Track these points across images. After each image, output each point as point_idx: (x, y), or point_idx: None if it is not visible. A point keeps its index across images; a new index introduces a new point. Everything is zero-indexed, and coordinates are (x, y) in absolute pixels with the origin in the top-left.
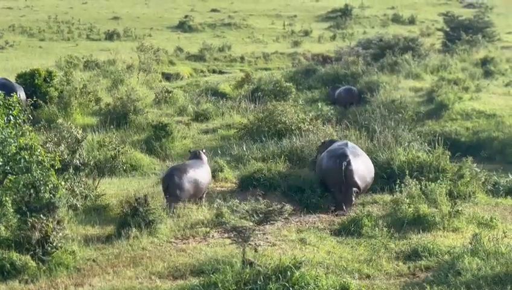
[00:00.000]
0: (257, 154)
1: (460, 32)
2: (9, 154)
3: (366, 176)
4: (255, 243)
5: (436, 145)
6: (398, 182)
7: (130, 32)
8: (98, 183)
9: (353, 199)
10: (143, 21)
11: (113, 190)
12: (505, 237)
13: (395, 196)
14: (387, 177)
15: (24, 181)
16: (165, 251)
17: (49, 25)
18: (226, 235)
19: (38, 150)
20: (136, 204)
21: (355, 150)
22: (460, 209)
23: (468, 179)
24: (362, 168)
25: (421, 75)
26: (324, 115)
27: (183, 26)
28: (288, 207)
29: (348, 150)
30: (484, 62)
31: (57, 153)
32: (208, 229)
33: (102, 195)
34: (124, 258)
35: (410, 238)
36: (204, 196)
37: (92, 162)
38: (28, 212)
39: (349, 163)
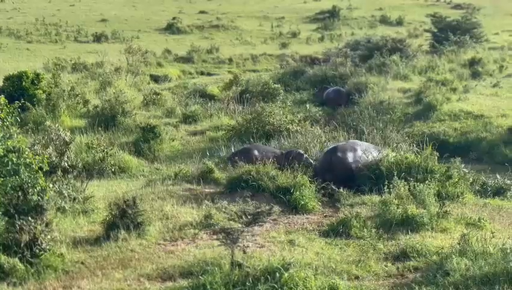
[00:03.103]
0: None
1: (448, 34)
2: None
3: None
4: (244, 245)
5: (425, 146)
6: (386, 183)
7: (118, 35)
8: (87, 185)
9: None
10: (131, 23)
11: (101, 192)
12: (493, 237)
13: (383, 197)
14: (375, 178)
15: (12, 184)
16: (154, 253)
17: (37, 28)
18: (214, 236)
19: (26, 153)
20: (124, 206)
21: (351, 145)
22: (448, 209)
23: (457, 180)
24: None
25: (409, 76)
26: (312, 116)
27: (171, 28)
28: (276, 208)
29: (339, 146)
30: (472, 63)
31: (45, 156)
32: (196, 230)
33: (91, 197)
34: (112, 260)
35: (398, 239)
36: None
37: (80, 165)
38: (16, 215)
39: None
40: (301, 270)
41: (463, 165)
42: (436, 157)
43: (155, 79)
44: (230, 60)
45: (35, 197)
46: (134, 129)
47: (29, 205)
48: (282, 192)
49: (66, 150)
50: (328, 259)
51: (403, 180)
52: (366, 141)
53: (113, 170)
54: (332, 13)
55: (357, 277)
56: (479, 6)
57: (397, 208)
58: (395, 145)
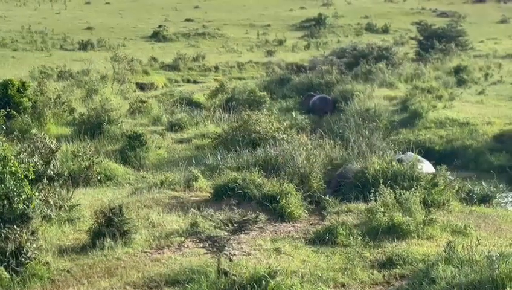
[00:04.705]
0: (232, 164)
1: (433, 41)
2: None
3: None
4: (230, 253)
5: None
6: (372, 190)
7: (104, 43)
8: (72, 193)
9: None
10: (117, 31)
11: (87, 200)
12: (479, 244)
13: (369, 204)
14: (361, 186)
15: None
16: (140, 261)
17: (23, 35)
18: (200, 244)
19: (12, 161)
20: (110, 214)
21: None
22: (434, 217)
23: (442, 187)
24: None
25: (395, 84)
26: (298, 124)
27: (157, 36)
28: (262, 216)
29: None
30: (457, 71)
31: (31, 164)
32: (182, 238)
33: (77, 205)
34: (98, 268)
35: (384, 247)
36: None
37: (66, 173)
38: (1, 223)
39: None
40: (287, 278)
41: (449, 173)
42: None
43: (141, 87)
44: (216, 67)
45: (20, 206)
46: (121, 137)
47: (14, 214)
48: (269, 200)
49: (51, 158)
50: (314, 267)
51: (389, 188)
52: (352, 149)
53: (99, 178)
54: (318, 21)
55: (343, 285)
56: (464, 14)
57: (383, 215)
58: (381, 153)
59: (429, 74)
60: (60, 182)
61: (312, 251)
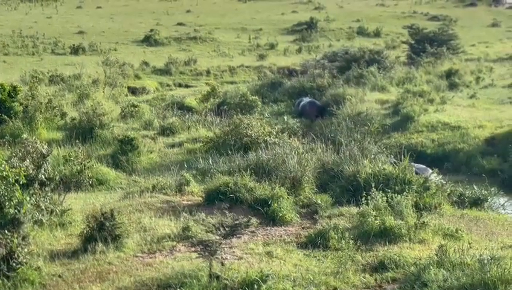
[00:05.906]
0: (223, 168)
1: (425, 45)
2: None
3: None
4: (222, 257)
5: (402, 157)
6: (364, 194)
7: (96, 47)
8: (64, 198)
9: None
10: (108, 35)
11: (79, 204)
12: (470, 248)
13: (361, 208)
14: (353, 189)
15: None
16: (132, 266)
17: (14, 40)
18: (192, 249)
19: (3, 165)
20: (102, 219)
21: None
22: (426, 221)
23: (434, 191)
24: None
25: (386, 88)
26: (290, 128)
27: (148, 40)
28: (254, 220)
29: None
30: (449, 74)
31: (22, 168)
32: (174, 243)
33: (68, 210)
34: (90, 273)
35: (376, 251)
36: None
37: (57, 177)
38: None
39: None
40: (279, 282)
41: (440, 176)
42: (414, 169)
43: (133, 91)
44: (208, 71)
45: (11, 211)
46: (112, 141)
47: (5, 218)
48: (260, 204)
49: (43, 163)
50: (306, 271)
51: (381, 192)
52: (343, 153)
53: (90, 182)
54: (310, 25)
55: (335, 289)
56: (455, 18)
57: (375, 219)
58: (372, 156)
59: (421, 77)
60: (52, 186)
61: (304, 254)
